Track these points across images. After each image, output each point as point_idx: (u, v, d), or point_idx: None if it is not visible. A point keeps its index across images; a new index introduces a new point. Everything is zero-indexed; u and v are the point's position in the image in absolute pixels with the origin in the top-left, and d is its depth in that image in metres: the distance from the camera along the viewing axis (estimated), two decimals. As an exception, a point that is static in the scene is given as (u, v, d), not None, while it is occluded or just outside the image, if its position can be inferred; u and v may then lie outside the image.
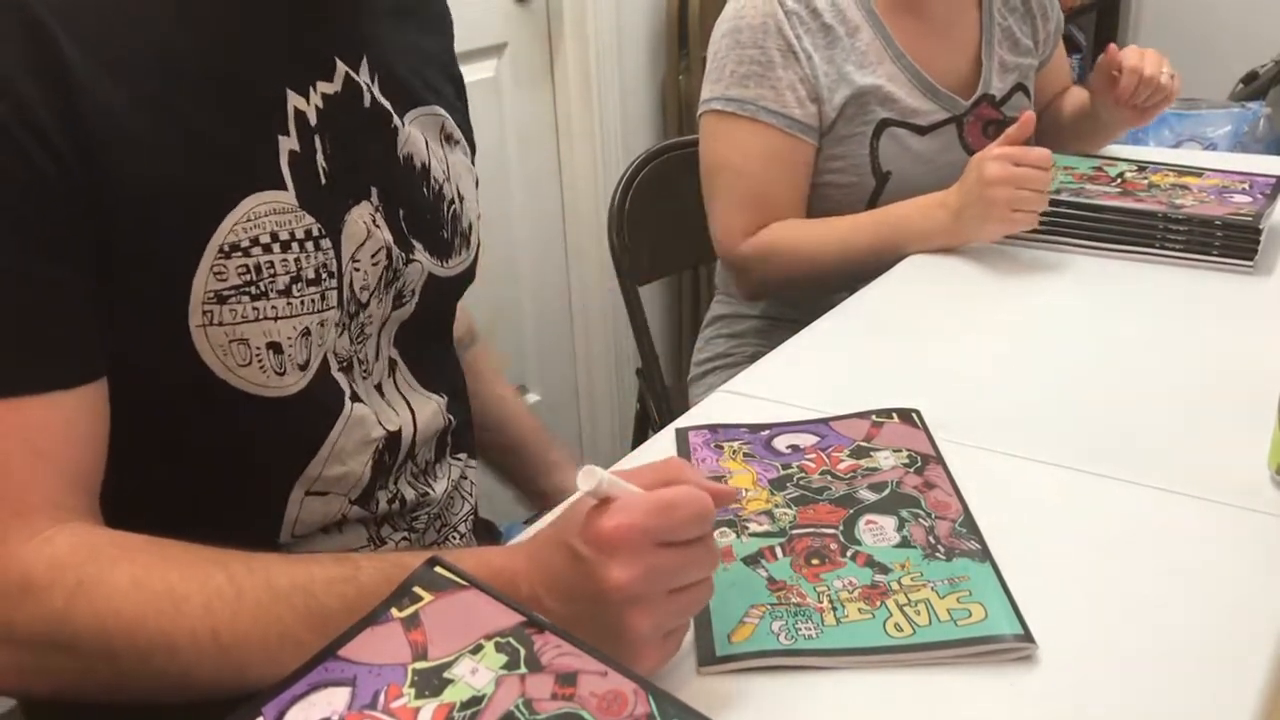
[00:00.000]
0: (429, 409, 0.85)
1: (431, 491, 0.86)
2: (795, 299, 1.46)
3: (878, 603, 0.67)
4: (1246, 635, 0.65)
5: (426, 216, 0.82)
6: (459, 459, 0.91)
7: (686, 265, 1.68)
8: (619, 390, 2.37)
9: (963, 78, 1.43)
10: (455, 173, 0.86)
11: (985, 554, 0.71)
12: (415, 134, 0.81)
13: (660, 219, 1.59)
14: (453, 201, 0.85)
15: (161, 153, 0.64)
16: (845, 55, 1.34)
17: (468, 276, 0.89)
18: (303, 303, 0.70)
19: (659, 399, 1.60)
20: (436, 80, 0.86)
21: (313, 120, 0.72)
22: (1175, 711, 0.60)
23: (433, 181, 0.83)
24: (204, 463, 0.72)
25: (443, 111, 0.85)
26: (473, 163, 0.92)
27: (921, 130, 1.38)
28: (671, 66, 2.25)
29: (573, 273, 2.31)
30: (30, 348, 0.61)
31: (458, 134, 0.87)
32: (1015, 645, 0.63)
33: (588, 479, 0.56)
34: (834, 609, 0.66)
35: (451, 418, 0.88)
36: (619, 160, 2.17)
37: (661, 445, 0.89)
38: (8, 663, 0.60)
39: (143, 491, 0.67)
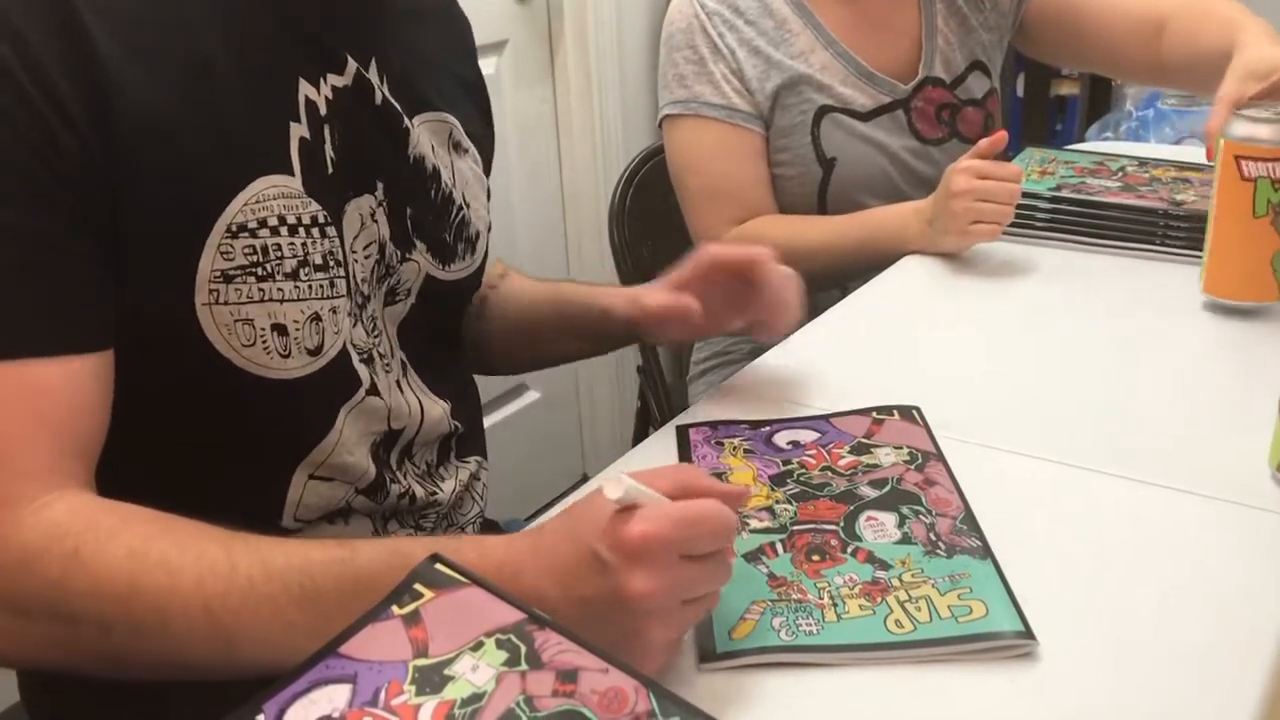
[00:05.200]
0: (435, 413, 0.85)
1: (440, 492, 0.86)
2: None
3: (878, 599, 0.67)
4: (1247, 632, 0.65)
5: (430, 218, 0.82)
6: (467, 462, 0.91)
7: (687, 262, 1.68)
8: (619, 387, 2.37)
9: (902, 62, 1.41)
10: (462, 179, 0.86)
11: (986, 551, 0.71)
12: (423, 137, 0.81)
13: (661, 216, 1.59)
14: (461, 208, 0.85)
15: (179, 131, 0.65)
16: (774, 46, 1.35)
17: (472, 283, 0.89)
18: (310, 287, 0.71)
19: (659, 396, 1.60)
20: (448, 87, 0.87)
21: (322, 110, 0.73)
22: (1176, 708, 0.60)
23: (443, 185, 0.83)
24: (206, 439, 0.72)
25: (452, 119, 0.85)
26: (486, 172, 0.92)
27: (863, 117, 1.38)
28: (672, 63, 2.25)
29: (573, 270, 2.31)
30: (41, 311, 0.61)
31: (466, 142, 0.87)
32: (1016, 642, 0.63)
33: (614, 488, 0.56)
34: (835, 605, 0.66)
35: (457, 424, 0.88)
36: (619, 157, 2.17)
37: (662, 443, 0.89)
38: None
39: (144, 465, 0.67)
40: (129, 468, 0.66)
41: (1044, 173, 1.36)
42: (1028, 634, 0.63)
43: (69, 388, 0.62)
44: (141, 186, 0.63)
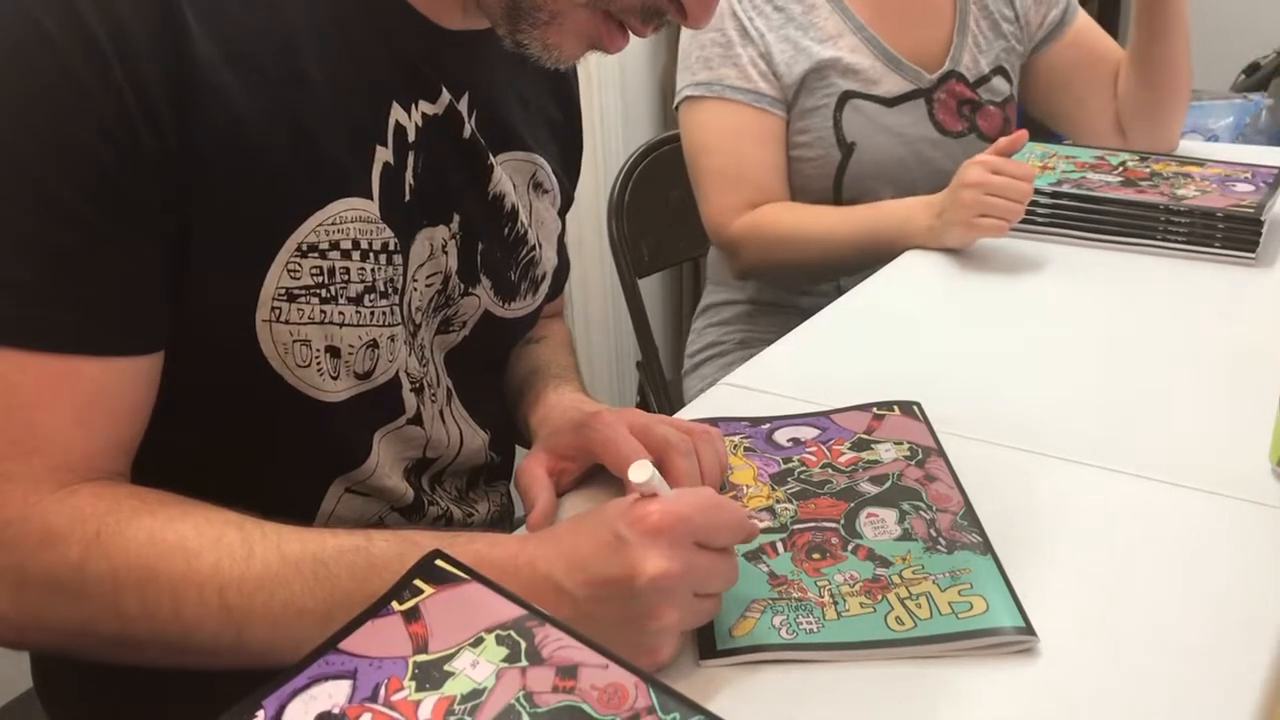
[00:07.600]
0: (475, 443, 0.85)
1: (476, 513, 0.86)
2: (780, 282, 1.47)
3: (879, 596, 0.67)
4: (1248, 627, 0.65)
5: (499, 255, 0.82)
6: (496, 486, 0.91)
7: (686, 257, 1.68)
8: (619, 383, 2.37)
9: (931, 52, 1.42)
10: (538, 220, 0.86)
11: (986, 547, 0.71)
12: (505, 175, 0.81)
13: (660, 211, 1.59)
14: (533, 248, 0.85)
15: (264, 142, 0.64)
16: (802, 31, 1.35)
17: (529, 321, 0.89)
18: (373, 314, 0.71)
19: (659, 392, 1.60)
20: (539, 128, 0.86)
21: (411, 136, 0.72)
22: (1176, 703, 0.59)
23: (519, 225, 0.83)
24: (244, 448, 0.72)
25: (539, 159, 0.85)
26: (563, 213, 0.91)
27: (887, 103, 1.38)
28: (671, 59, 2.25)
29: (572, 265, 2.30)
30: (93, 309, 0.61)
31: (549, 183, 0.87)
32: (1016, 638, 0.63)
33: (640, 471, 0.59)
34: (835, 603, 0.66)
35: (494, 455, 0.88)
36: (619, 152, 2.17)
37: (662, 438, 0.88)
38: (9, 608, 0.59)
39: (177, 463, 0.67)
40: (161, 463, 0.66)
41: (1045, 168, 1.36)
42: (1028, 630, 0.63)
43: (114, 389, 0.62)
44: (217, 193, 0.63)
